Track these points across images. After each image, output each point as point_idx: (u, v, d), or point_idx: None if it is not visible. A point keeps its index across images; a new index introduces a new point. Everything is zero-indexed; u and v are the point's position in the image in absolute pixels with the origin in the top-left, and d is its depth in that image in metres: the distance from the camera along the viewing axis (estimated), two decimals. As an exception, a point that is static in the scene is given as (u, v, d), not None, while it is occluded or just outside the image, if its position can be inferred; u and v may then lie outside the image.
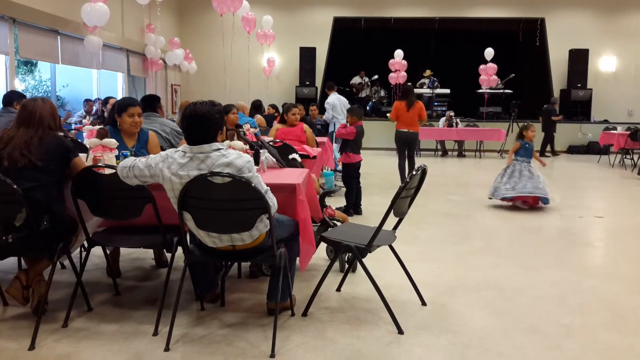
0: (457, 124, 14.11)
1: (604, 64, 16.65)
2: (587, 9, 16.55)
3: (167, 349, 2.93)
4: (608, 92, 16.37)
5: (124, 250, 4.37)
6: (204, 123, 2.90)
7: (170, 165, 2.90)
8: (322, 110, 14.66)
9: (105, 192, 3.25)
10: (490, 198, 7.19)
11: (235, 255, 3.14)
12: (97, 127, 4.06)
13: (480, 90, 15.67)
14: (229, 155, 2.89)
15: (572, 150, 15.47)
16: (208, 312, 3.47)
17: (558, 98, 15.94)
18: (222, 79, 13.95)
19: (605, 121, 15.55)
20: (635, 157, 11.88)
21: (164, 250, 3.97)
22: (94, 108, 11.08)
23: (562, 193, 7.53)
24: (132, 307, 3.54)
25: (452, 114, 14.27)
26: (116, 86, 13.42)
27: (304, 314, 3.40)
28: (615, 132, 12.85)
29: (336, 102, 10.68)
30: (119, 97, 11.58)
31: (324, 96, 16.77)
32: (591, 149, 15.05)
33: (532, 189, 6.90)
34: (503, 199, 7.06)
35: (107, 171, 3.26)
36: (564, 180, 9.91)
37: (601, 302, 3.78)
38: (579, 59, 16.18)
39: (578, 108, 16.16)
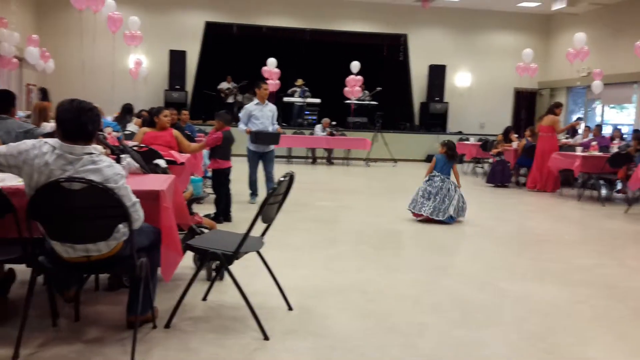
0: (332, 133, 14.53)
1: (460, 79, 18.06)
2: (446, 27, 17.86)
3: (11, 371, 2.68)
4: (463, 105, 17.77)
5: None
6: (87, 120, 2.75)
7: (35, 157, 2.67)
8: (195, 117, 14.43)
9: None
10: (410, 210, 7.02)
11: (91, 267, 2.95)
12: None
13: (348, 101, 16.23)
14: (100, 163, 2.73)
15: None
16: (61, 328, 3.22)
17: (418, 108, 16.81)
18: (82, 80, 13.14)
19: (460, 132, 16.83)
20: (486, 165, 12.97)
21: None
22: None
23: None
24: (-29, 327, 3.20)
25: (327, 121, 14.61)
26: (-40, 84, 12.14)
27: (167, 325, 3.28)
28: (468, 142, 13.94)
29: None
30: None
31: (195, 101, 16.47)
32: (448, 158, 16.12)
33: (432, 211, 6.81)
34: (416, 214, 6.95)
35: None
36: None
37: (453, 300, 4.05)
38: (437, 74, 17.40)
39: (436, 120, 17.35)
